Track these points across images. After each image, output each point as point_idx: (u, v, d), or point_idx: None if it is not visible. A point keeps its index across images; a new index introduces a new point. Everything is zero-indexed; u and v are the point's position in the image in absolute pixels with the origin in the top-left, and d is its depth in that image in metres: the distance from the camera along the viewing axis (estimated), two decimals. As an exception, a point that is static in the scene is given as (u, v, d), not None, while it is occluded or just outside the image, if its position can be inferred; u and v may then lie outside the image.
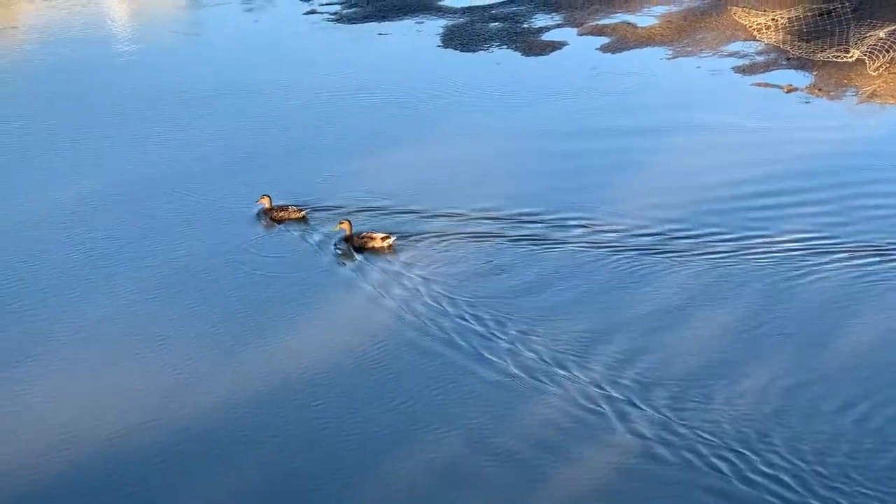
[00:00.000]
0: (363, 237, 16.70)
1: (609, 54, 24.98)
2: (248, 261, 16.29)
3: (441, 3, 29.66)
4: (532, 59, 24.96)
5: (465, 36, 26.66)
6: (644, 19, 27.05)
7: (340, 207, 17.74)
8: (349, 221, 16.99)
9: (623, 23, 26.80)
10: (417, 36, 27.20)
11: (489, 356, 13.47)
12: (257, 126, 21.59)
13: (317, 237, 16.95)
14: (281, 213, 17.60)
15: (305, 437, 12.25)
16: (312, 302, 15.06)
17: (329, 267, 16.16)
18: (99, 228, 17.47)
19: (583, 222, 16.81)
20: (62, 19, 30.78)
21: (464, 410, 12.51)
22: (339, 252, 16.64)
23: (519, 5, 28.75)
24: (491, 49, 25.73)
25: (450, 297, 14.85)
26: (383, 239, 16.63)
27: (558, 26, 27.04)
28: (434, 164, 19.32)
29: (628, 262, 15.58)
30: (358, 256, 16.41)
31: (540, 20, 27.52)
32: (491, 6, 28.90)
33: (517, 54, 25.34)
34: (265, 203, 17.75)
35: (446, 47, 26.17)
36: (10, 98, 24.20)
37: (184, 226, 17.48)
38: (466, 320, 14.29)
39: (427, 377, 13.16)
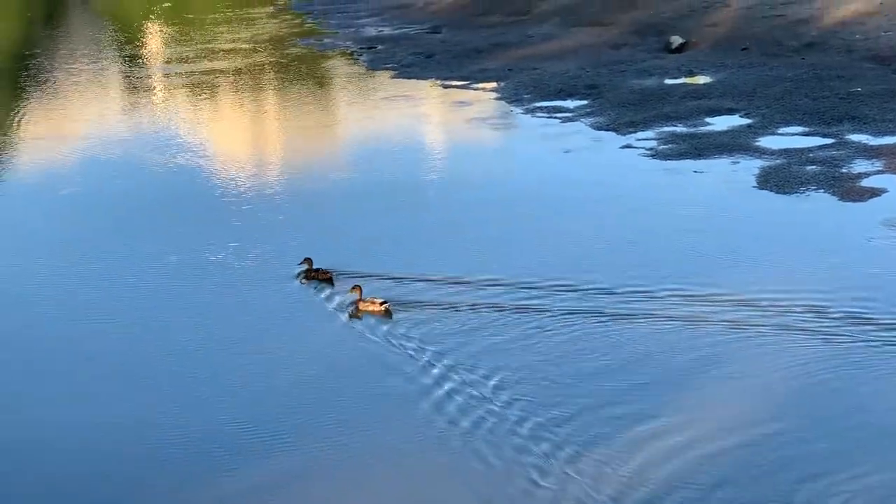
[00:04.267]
0: (366, 302, 18.82)
1: (932, 202, 24.48)
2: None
3: (757, 143, 29.65)
4: (849, 205, 24.63)
5: (780, 178, 26.54)
6: (970, 169, 26.39)
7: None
8: (360, 287, 19.19)
9: (947, 171, 26.22)
10: (733, 175, 27.25)
11: None
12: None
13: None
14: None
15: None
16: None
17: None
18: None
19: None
20: (357, 147, 32.28)
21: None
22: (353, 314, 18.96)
23: (838, 149, 28.45)
24: (807, 192, 25.52)
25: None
26: (381, 304, 18.65)
27: (878, 172, 26.60)
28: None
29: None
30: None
31: (859, 165, 27.14)
32: (808, 149, 28.70)
33: (833, 199, 25.06)
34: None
35: (761, 188, 26.11)
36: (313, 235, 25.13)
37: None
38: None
39: None
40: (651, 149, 29.92)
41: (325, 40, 47.02)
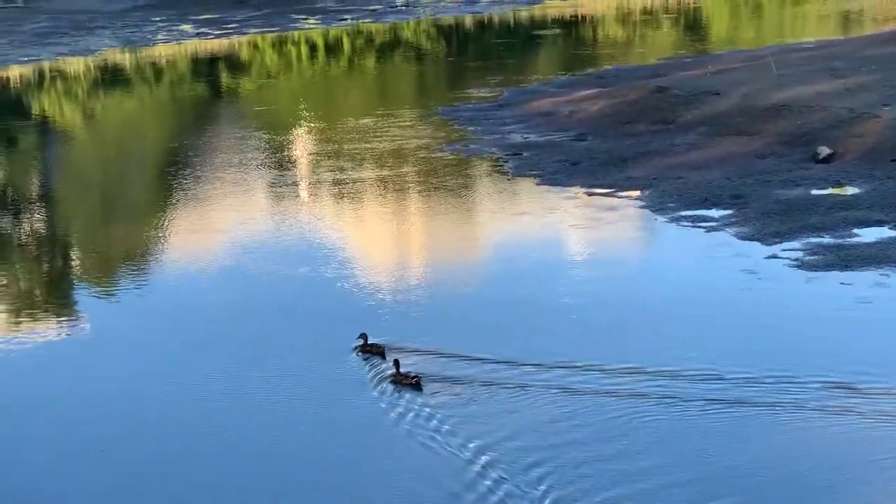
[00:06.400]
0: (400, 376, 21.28)
1: None
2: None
3: (910, 254, 29.26)
4: None
5: (931, 291, 26.15)
6: None
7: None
8: (398, 360, 21.84)
9: None
10: (881, 288, 26.92)
11: None
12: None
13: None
14: None
15: None
16: None
17: None
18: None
19: None
20: (498, 254, 32.49)
21: None
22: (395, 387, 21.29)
23: None
24: (960, 306, 25.16)
25: None
26: (413, 378, 21.12)
27: None
28: None
29: None
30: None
31: None
32: (962, 260, 28.23)
33: None
34: None
35: (912, 302, 25.89)
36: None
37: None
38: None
39: None
40: (797, 259, 29.61)
41: (471, 146, 47.49)
